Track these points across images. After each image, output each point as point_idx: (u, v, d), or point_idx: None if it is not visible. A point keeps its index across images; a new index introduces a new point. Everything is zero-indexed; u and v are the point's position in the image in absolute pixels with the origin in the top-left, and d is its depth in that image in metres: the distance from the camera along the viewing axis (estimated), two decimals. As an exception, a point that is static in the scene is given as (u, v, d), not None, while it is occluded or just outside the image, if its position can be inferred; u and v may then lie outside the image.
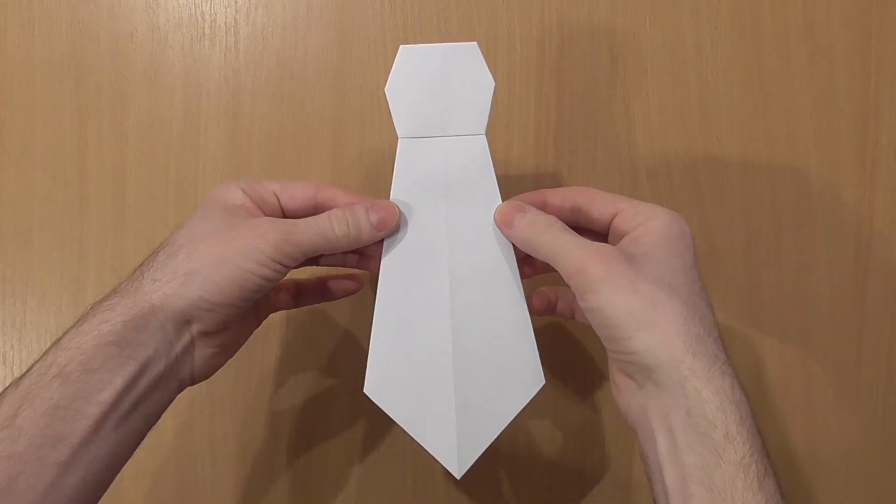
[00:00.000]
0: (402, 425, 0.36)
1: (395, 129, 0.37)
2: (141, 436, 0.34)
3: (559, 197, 0.37)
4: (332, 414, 0.49)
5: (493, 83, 0.37)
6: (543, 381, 0.36)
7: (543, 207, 0.37)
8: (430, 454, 0.36)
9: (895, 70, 0.48)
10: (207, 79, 0.48)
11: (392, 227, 0.36)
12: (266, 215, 0.37)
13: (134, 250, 0.48)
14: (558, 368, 0.48)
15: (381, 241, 0.37)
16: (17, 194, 0.48)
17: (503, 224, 0.36)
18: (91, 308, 0.33)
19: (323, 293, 0.43)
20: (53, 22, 0.48)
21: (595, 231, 0.37)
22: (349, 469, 0.49)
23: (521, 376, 0.36)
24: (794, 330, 0.49)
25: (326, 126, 0.48)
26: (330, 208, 0.37)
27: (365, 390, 0.36)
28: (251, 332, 0.40)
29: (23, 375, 0.31)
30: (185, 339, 0.34)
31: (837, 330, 0.49)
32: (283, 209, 0.38)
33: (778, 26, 0.48)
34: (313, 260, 0.40)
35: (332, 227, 0.35)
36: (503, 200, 0.37)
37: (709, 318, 0.32)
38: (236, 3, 0.48)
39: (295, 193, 0.38)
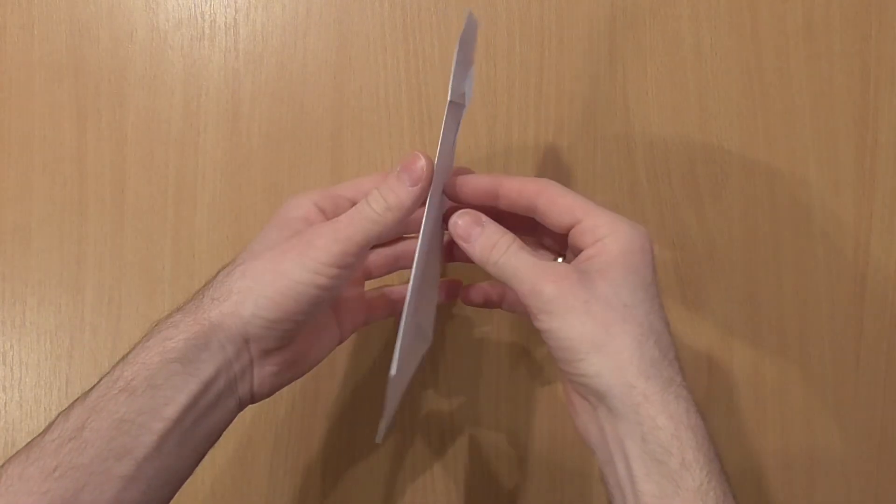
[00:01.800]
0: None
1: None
2: (201, 455, 0.33)
3: (515, 189, 0.35)
4: (331, 414, 0.49)
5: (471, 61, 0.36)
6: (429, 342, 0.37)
7: (496, 196, 0.35)
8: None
9: (894, 70, 0.48)
10: (207, 79, 0.48)
11: (425, 176, 0.34)
12: None
13: (133, 250, 0.48)
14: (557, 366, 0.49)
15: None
16: (17, 194, 0.48)
17: (461, 239, 0.35)
18: (156, 325, 0.33)
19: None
20: (53, 22, 0.48)
21: (552, 234, 0.36)
22: (349, 469, 0.49)
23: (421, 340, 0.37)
24: (793, 330, 0.49)
25: (326, 126, 0.48)
26: None
27: None
28: (329, 348, 0.38)
29: (91, 389, 0.32)
30: (244, 357, 0.33)
31: (837, 330, 0.49)
32: None
33: (777, 26, 0.48)
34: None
35: (373, 208, 0.34)
36: (467, 176, 0.37)
37: (665, 338, 0.32)
38: (236, 3, 0.48)
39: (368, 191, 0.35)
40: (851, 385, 0.49)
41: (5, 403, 0.48)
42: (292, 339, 0.34)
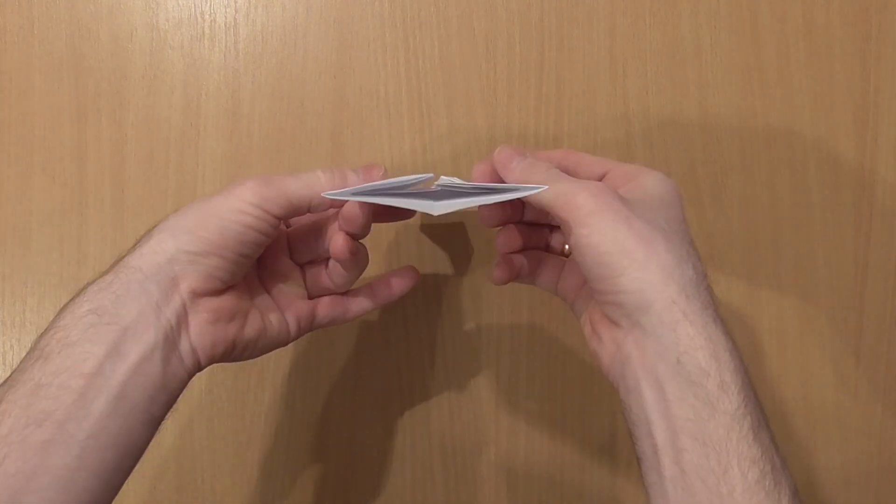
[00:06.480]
0: None
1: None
2: (152, 418, 0.31)
3: (545, 158, 0.37)
4: (331, 414, 0.49)
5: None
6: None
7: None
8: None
9: (895, 70, 0.48)
10: (207, 79, 0.48)
11: (377, 178, 0.36)
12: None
13: (133, 250, 0.48)
14: (556, 366, 0.49)
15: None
16: (17, 194, 0.48)
17: (501, 166, 0.35)
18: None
19: (373, 295, 0.40)
20: (53, 22, 0.48)
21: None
22: (349, 469, 0.49)
23: None
24: (794, 329, 0.49)
25: (326, 126, 0.48)
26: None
27: None
28: (278, 332, 0.37)
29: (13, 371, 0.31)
30: (176, 300, 0.32)
31: (837, 329, 0.49)
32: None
33: (777, 26, 0.48)
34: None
35: (320, 178, 0.35)
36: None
37: (700, 267, 0.31)
38: (236, 3, 0.48)
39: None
40: (851, 384, 0.49)
41: (5, 403, 0.48)
42: (222, 282, 0.33)
